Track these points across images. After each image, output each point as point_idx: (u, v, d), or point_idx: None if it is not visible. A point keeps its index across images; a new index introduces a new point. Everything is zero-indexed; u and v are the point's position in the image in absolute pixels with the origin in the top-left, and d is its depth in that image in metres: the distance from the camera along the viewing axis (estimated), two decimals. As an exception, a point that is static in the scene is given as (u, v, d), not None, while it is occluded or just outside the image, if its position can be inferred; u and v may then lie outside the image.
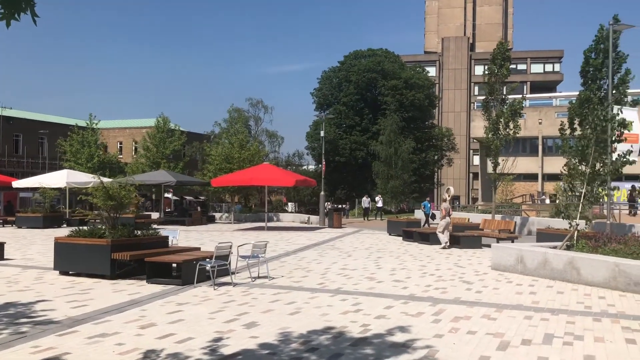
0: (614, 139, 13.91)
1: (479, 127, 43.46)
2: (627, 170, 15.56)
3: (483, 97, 25.90)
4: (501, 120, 23.91)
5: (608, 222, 19.17)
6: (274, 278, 11.33)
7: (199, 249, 13.14)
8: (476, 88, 79.92)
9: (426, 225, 26.96)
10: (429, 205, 31.26)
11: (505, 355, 6.06)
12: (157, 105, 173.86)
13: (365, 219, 39.10)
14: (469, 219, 25.07)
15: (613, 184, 21.79)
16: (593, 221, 14.96)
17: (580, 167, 13.48)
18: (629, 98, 19.56)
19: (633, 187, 31.98)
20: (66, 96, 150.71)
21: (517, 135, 24.61)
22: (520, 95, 26.54)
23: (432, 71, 78.85)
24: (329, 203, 39.97)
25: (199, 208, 39.19)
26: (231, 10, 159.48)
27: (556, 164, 37.40)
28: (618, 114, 13.51)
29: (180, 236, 14.95)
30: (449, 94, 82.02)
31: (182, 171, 41.21)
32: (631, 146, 15.93)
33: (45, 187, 27.75)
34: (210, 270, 10.22)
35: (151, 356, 5.92)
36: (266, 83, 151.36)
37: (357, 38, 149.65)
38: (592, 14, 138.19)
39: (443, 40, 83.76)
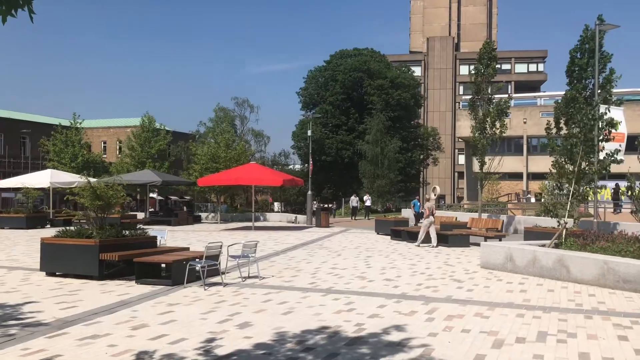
0: (601, 138, 14.03)
1: (464, 126, 43.70)
2: (612, 169, 15.75)
3: (469, 97, 26.00)
4: (488, 119, 24.02)
5: (595, 220, 19.35)
6: (264, 278, 11.26)
7: (187, 249, 13.03)
8: (461, 88, 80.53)
9: (417, 224, 26.98)
10: (418, 204, 31.33)
11: (501, 353, 6.06)
12: (141, 105, 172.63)
13: (353, 218, 39.10)
14: (456, 218, 25.15)
15: (600, 182, 22.01)
16: (579, 219, 15.09)
17: (567, 166, 13.60)
18: (614, 98, 19.77)
19: (617, 185, 32.33)
20: (49, 95, 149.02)
21: (503, 134, 24.75)
22: (507, 95, 26.70)
23: (417, 71, 79.26)
24: (315, 202, 39.90)
25: (184, 208, 38.92)
26: (216, 9, 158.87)
27: (541, 163, 37.75)
28: (606, 113, 13.64)
29: (168, 236, 14.81)
30: (434, 94, 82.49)
31: (167, 171, 40.93)
32: (619, 145, 16.09)
33: (28, 187, 27.40)
34: (201, 270, 10.13)
35: (144, 357, 5.84)
36: (252, 82, 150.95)
37: (343, 37, 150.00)
38: (575, 15, 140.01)
39: (428, 40, 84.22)
